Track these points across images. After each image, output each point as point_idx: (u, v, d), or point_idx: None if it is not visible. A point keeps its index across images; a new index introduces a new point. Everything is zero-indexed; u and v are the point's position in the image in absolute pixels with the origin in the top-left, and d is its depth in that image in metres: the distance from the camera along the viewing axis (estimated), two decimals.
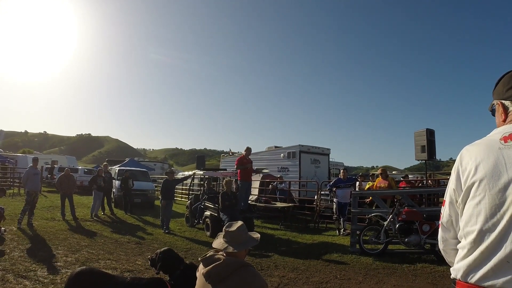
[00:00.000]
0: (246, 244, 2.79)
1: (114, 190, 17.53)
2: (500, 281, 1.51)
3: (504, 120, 1.81)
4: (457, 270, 1.70)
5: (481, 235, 1.59)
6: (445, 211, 1.90)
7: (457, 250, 1.81)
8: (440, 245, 1.99)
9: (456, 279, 1.71)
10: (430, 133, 11.55)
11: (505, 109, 1.81)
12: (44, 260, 7.19)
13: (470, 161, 1.71)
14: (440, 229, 1.97)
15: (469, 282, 1.62)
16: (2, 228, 9.65)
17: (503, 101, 1.83)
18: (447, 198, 1.88)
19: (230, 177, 13.23)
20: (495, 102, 1.89)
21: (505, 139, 1.66)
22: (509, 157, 1.59)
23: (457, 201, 1.79)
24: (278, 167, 20.20)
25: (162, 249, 4.11)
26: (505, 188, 1.55)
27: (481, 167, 1.65)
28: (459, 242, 1.80)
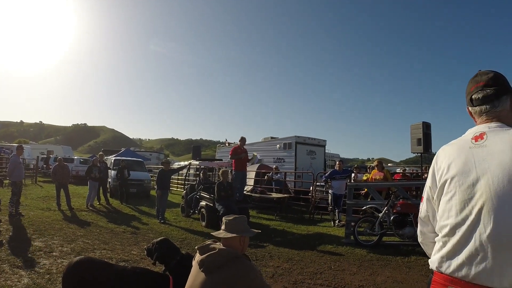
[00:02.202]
0: (241, 233, 2.80)
1: (109, 180, 17.51)
2: (472, 271, 1.61)
3: (476, 122, 1.96)
4: (433, 261, 1.82)
5: (453, 228, 1.70)
6: (423, 207, 2.04)
7: (435, 243, 1.93)
8: (419, 239, 2.16)
9: (433, 269, 1.83)
10: (427, 126, 11.55)
11: (470, 113, 1.99)
12: (39, 250, 7.18)
13: (444, 160, 1.86)
14: (419, 224, 2.13)
15: (444, 273, 1.73)
16: None
17: (468, 107, 2.00)
18: (424, 194, 2.02)
19: (226, 167, 13.24)
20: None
21: (476, 138, 1.79)
22: (478, 155, 1.72)
23: (433, 198, 1.93)
24: (274, 158, 20.20)
25: (158, 239, 4.10)
26: (473, 184, 1.67)
27: (453, 165, 1.78)
28: (437, 235, 1.91)
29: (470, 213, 1.64)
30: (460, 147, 1.82)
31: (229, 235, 2.78)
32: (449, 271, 1.68)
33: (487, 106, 1.85)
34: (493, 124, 1.81)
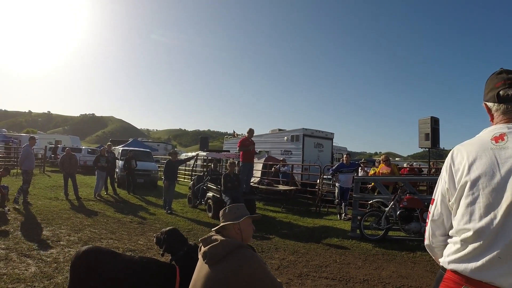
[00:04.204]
0: (232, 220, 2.82)
1: (117, 170, 17.61)
2: (490, 275, 1.58)
3: (492, 120, 1.89)
4: (448, 262, 1.77)
5: (476, 233, 1.64)
6: (435, 209, 1.95)
7: (444, 246, 1.90)
8: (427, 241, 2.04)
9: (446, 268, 1.78)
10: (435, 121, 11.47)
11: (489, 110, 1.91)
12: (47, 239, 7.25)
13: (463, 161, 1.77)
14: (429, 227, 2.01)
15: (461, 274, 1.68)
16: (7, 207, 9.74)
17: (486, 103, 1.91)
18: (438, 196, 1.93)
19: (233, 159, 13.26)
20: (483, 103, 1.96)
21: (496, 139, 1.73)
22: (501, 157, 1.65)
23: (449, 200, 1.84)
24: (281, 150, 20.16)
25: (167, 229, 4.10)
26: (498, 187, 1.61)
27: (475, 167, 1.70)
28: (447, 238, 1.87)
29: (495, 217, 1.58)
30: (480, 147, 1.74)
31: (221, 221, 2.81)
32: (467, 272, 1.65)
33: None
34: None
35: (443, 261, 1.82)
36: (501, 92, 1.81)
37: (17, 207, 10.32)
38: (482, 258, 1.61)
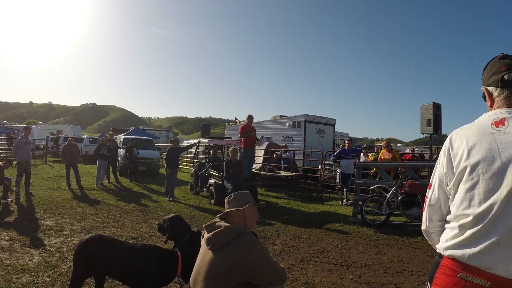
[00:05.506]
0: (237, 207, 2.83)
1: (119, 158, 17.63)
2: (488, 261, 1.58)
3: (491, 105, 1.86)
4: (445, 248, 1.77)
5: (475, 218, 1.62)
6: (433, 194, 1.94)
7: (441, 231, 1.89)
8: (424, 226, 2.03)
9: (443, 254, 1.77)
10: (437, 107, 11.44)
11: (490, 94, 1.87)
12: (50, 229, 7.29)
13: (461, 145, 1.74)
14: (426, 212, 2.01)
15: (458, 260, 1.68)
16: (9, 199, 9.77)
17: (487, 87, 1.88)
18: (435, 181, 1.91)
19: (234, 145, 13.27)
20: (482, 88, 1.93)
21: (496, 124, 1.70)
22: (502, 142, 1.63)
23: (447, 185, 1.82)
24: (283, 136, 20.16)
25: (170, 216, 4.12)
26: (498, 173, 1.59)
27: (474, 151, 1.67)
28: (444, 223, 1.87)
29: (495, 202, 1.57)
30: (480, 132, 1.71)
31: (227, 207, 2.84)
32: (464, 259, 1.64)
33: None
34: None
35: (440, 247, 1.82)
36: (505, 77, 1.77)
37: (20, 200, 10.31)
38: (480, 244, 1.60)
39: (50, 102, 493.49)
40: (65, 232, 7.18)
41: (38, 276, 4.86)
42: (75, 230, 7.35)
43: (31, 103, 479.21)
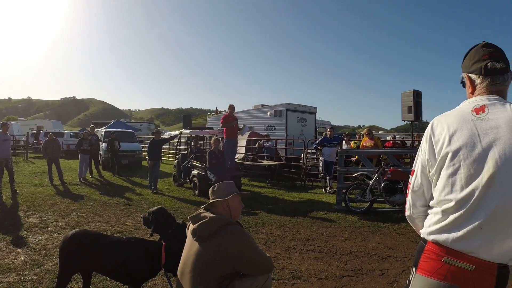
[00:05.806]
0: (221, 197, 2.86)
1: (101, 152, 17.47)
2: (471, 245, 1.62)
3: (472, 93, 1.89)
4: (429, 233, 1.80)
5: (457, 203, 1.67)
6: (416, 180, 1.96)
7: (424, 217, 1.92)
8: (408, 212, 2.06)
9: (427, 239, 1.81)
10: (417, 94, 11.57)
11: (472, 82, 1.89)
12: (35, 226, 7.22)
13: (443, 132, 1.77)
14: (409, 197, 2.03)
15: (442, 244, 1.71)
16: None
17: (469, 74, 1.90)
18: (418, 167, 1.94)
19: (216, 136, 13.25)
20: (463, 75, 1.96)
21: (477, 111, 1.74)
22: (482, 128, 1.67)
23: (430, 171, 1.86)
24: (264, 126, 20.19)
25: (154, 208, 4.14)
26: (479, 158, 1.63)
27: (455, 138, 1.71)
28: (428, 209, 1.90)
29: (477, 187, 1.61)
30: (461, 118, 1.75)
31: (211, 201, 2.87)
32: (448, 243, 1.69)
33: (499, 77, 1.79)
34: (492, 97, 1.77)
35: (424, 232, 1.85)
36: (489, 65, 1.80)
37: (3, 198, 10.09)
38: (463, 228, 1.64)
39: (29, 97, 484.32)
40: (49, 228, 7.11)
41: (25, 274, 4.82)
42: (59, 227, 7.28)
43: (9, 98, 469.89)
